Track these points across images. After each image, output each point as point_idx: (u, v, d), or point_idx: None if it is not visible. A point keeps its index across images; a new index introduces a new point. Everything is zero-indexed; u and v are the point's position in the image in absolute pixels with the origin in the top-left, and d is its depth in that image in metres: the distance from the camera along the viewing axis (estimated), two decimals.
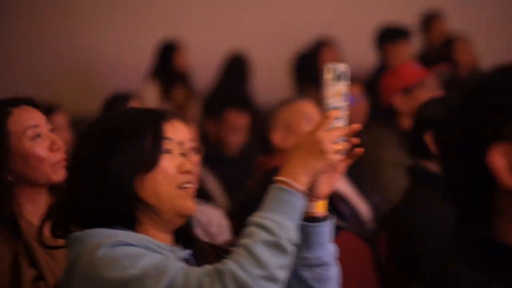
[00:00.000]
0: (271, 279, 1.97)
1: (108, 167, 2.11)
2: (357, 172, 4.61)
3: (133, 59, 8.13)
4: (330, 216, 2.15)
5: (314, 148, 2.04)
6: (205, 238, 2.97)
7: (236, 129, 5.40)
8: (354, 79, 5.75)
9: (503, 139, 1.54)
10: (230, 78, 7.74)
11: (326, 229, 2.14)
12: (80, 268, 2.05)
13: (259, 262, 1.95)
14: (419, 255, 3.35)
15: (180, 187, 2.14)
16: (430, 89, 4.95)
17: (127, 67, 8.21)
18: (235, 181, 4.78)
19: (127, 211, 2.12)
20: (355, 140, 2.12)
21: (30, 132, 2.59)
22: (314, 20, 8.67)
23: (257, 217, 2.01)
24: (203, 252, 2.23)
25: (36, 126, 2.61)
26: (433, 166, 3.44)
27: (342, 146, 2.08)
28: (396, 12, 8.50)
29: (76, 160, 2.20)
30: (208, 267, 1.98)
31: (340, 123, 2.09)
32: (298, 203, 2.03)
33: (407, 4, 8.93)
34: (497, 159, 1.53)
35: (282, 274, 1.99)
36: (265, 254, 1.96)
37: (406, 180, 3.80)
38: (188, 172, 2.16)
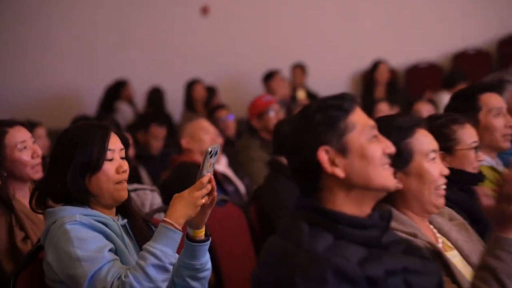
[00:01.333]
0: None
1: (68, 167, 2.10)
2: (235, 165, 4.70)
3: (91, 89, 7.84)
4: (207, 238, 2.13)
5: (190, 202, 2.05)
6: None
7: (158, 137, 5.38)
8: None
9: (326, 143, 1.65)
10: (153, 103, 7.69)
11: (205, 246, 2.12)
12: (51, 235, 2.08)
13: (150, 278, 1.99)
14: (276, 217, 3.40)
15: (117, 183, 2.13)
16: (276, 112, 4.98)
17: (87, 95, 7.92)
18: (157, 171, 4.78)
19: (82, 197, 2.11)
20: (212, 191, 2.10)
21: (19, 146, 2.61)
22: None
23: (150, 246, 2.02)
24: (137, 221, 2.22)
25: (24, 141, 2.62)
26: (284, 160, 3.41)
27: (207, 199, 2.08)
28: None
29: (51, 158, 2.18)
30: (123, 271, 2.00)
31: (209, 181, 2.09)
32: (177, 237, 2.05)
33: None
34: (323, 156, 1.65)
35: (165, 285, 2.04)
36: (154, 273, 1.99)
37: (266, 170, 3.88)
38: (123, 172, 2.14)
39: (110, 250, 2.06)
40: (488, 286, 1.77)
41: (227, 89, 7.86)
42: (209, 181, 2.08)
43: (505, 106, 2.92)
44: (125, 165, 2.14)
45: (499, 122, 2.85)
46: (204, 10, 8.25)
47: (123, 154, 2.16)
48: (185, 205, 2.04)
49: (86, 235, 2.03)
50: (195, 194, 2.05)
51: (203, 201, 2.06)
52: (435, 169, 1.98)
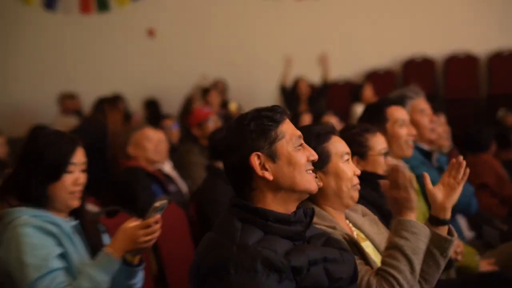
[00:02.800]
0: None
1: (33, 171, 2.05)
2: (178, 167, 4.65)
3: (44, 100, 7.68)
4: (141, 262, 2.12)
5: (131, 239, 2.03)
6: None
7: None
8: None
9: (258, 149, 1.66)
10: (98, 112, 7.51)
11: (140, 268, 2.13)
12: (6, 234, 2.02)
13: None
14: (213, 215, 3.35)
15: (70, 193, 2.09)
16: (214, 122, 4.97)
17: (41, 106, 7.74)
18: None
19: (40, 199, 2.07)
20: (157, 227, 2.06)
21: None
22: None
23: (91, 269, 2.01)
24: (87, 222, 2.17)
25: None
26: (221, 165, 3.45)
27: (149, 238, 2.04)
28: None
29: (19, 159, 2.10)
30: (66, 285, 1.97)
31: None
32: (115, 265, 2.04)
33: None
34: (254, 160, 1.66)
35: None
36: None
37: (205, 173, 3.85)
38: (79, 184, 2.10)
39: (61, 255, 2.01)
40: (397, 261, 1.83)
41: (173, 101, 7.83)
42: (156, 222, 2.04)
43: (408, 117, 2.99)
44: (82, 178, 2.11)
45: (403, 132, 2.91)
46: (150, 33, 8.18)
47: (84, 167, 2.12)
48: (127, 240, 2.02)
49: (37, 240, 1.98)
50: (138, 233, 2.02)
51: (145, 239, 2.03)
52: (349, 169, 2.03)
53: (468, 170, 2.00)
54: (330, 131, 2.04)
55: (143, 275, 2.18)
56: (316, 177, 1.82)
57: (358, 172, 2.06)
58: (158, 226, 2.05)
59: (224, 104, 7.43)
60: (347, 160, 2.04)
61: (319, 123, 3.04)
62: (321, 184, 1.98)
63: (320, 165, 1.96)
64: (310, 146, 1.73)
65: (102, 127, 5.09)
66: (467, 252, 2.99)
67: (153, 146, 4.01)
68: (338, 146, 2.02)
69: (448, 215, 1.97)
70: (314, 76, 7.93)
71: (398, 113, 2.91)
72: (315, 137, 1.98)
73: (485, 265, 3.08)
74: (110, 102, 6.75)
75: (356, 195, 2.04)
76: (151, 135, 4.02)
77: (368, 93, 7.09)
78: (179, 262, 3.13)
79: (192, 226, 3.47)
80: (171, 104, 7.78)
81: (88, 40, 8.04)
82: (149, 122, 6.26)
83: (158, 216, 2.04)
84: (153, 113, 7.44)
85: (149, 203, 2.55)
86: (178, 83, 7.96)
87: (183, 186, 4.39)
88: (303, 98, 7.65)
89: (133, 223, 2.06)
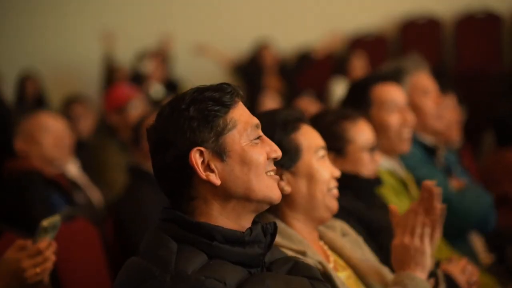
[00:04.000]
0: None
1: None
2: (89, 170, 4.62)
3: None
4: None
5: (14, 271, 2.03)
6: None
7: None
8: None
9: (200, 143, 1.66)
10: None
11: None
12: None
13: None
14: (138, 234, 3.33)
15: None
16: (138, 108, 4.96)
17: None
18: None
19: None
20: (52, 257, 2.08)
21: None
22: None
23: None
24: None
25: None
26: (149, 166, 3.47)
27: (39, 269, 2.04)
28: None
29: None
30: None
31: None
32: None
33: None
34: (196, 158, 1.66)
35: None
36: None
37: (126, 177, 3.85)
38: None
39: None
40: None
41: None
42: (48, 247, 2.05)
43: (403, 99, 2.97)
44: None
45: (393, 119, 2.92)
46: None
47: None
48: (8, 275, 2.01)
49: None
50: (23, 264, 2.01)
51: (33, 272, 2.03)
52: (325, 169, 2.07)
53: (443, 207, 2.03)
54: (300, 118, 2.08)
55: None
56: (281, 181, 1.86)
57: (337, 173, 2.10)
58: (50, 252, 2.04)
59: (172, 85, 7.42)
60: (323, 156, 2.08)
61: (285, 108, 3.05)
62: (288, 189, 2.02)
63: (287, 163, 2.01)
64: (273, 138, 1.75)
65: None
66: (484, 282, 3.07)
67: (52, 139, 3.97)
68: (311, 138, 2.07)
69: (424, 269, 2.00)
70: (286, 42, 8.02)
71: (386, 93, 2.92)
72: (280, 126, 2.02)
73: None
74: None
75: (334, 204, 2.09)
76: (48, 124, 3.97)
77: (357, 65, 7.14)
78: None
79: (108, 250, 3.48)
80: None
81: None
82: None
83: (48, 239, 2.04)
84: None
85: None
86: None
87: (96, 195, 4.38)
88: (269, 72, 7.66)
89: (16, 250, 2.04)
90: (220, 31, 8.38)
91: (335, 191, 2.10)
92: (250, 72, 7.68)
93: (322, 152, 2.08)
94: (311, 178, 2.04)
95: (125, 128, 4.80)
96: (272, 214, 2.03)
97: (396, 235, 2.02)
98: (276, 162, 1.73)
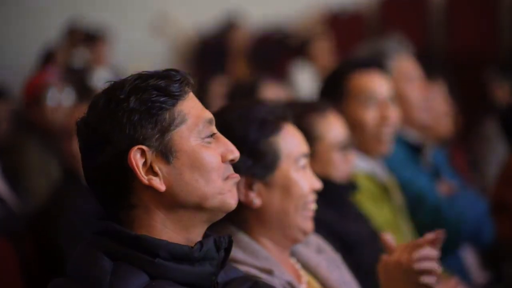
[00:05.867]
0: None
1: None
2: (7, 173, 4.59)
3: None
4: None
5: None
6: None
7: None
8: None
9: (141, 141, 1.66)
10: None
11: None
12: None
13: None
14: (64, 250, 3.36)
15: None
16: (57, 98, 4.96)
17: None
18: None
19: None
20: None
21: None
22: None
23: None
24: None
25: None
26: (78, 168, 3.44)
27: None
28: None
29: None
30: None
31: None
32: None
33: None
34: (136, 159, 1.66)
35: None
36: None
37: (50, 181, 3.83)
38: None
39: None
40: None
41: None
42: None
43: (385, 93, 2.98)
44: None
45: (369, 114, 2.94)
46: None
47: None
48: None
49: None
50: None
51: None
52: (305, 181, 2.08)
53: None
54: (283, 116, 2.08)
55: None
56: (251, 191, 1.88)
57: (318, 185, 2.11)
58: None
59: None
60: (303, 166, 2.08)
61: (260, 101, 3.02)
62: (258, 202, 2.03)
63: (261, 172, 2.01)
64: (247, 138, 1.79)
65: None
66: None
67: None
68: (292, 143, 2.07)
69: None
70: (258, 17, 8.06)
71: (363, 83, 2.93)
72: (256, 125, 2.01)
73: None
74: None
75: (308, 226, 2.09)
76: None
77: (321, 48, 7.17)
78: None
79: (27, 270, 3.44)
80: None
81: None
82: None
83: None
84: None
85: None
86: None
87: (15, 204, 4.35)
88: (236, 56, 7.66)
89: None
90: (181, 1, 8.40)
91: (312, 208, 2.09)
92: (213, 54, 7.64)
93: (304, 161, 2.09)
94: (286, 191, 2.05)
95: (44, 122, 4.78)
96: (236, 226, 2.04)
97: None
98: (248, 169, 1.74)
